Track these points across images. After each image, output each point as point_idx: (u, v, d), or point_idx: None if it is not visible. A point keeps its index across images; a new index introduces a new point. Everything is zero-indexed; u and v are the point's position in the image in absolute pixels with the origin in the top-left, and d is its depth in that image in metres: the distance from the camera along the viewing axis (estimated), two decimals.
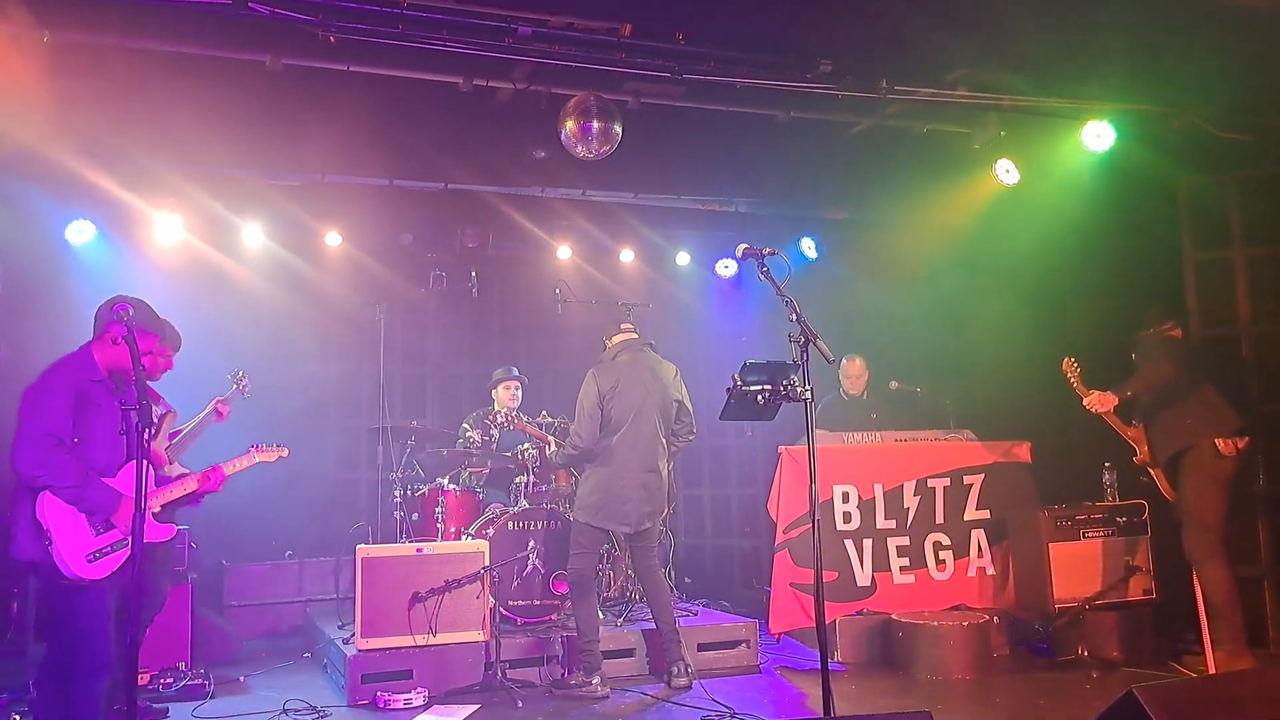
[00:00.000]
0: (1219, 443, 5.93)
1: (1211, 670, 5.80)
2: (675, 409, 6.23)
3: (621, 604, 7.00)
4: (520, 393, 7.91)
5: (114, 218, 7.45)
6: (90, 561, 4.15)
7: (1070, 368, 6.24)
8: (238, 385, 6.34)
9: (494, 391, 7.95)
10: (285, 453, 5.58)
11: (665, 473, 6.17)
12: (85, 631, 4.17)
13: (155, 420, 5.65)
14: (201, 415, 6.09)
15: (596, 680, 5.81)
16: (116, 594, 4.30)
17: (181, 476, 5.05)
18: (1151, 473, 6.28)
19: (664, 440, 6.16)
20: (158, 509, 4.60)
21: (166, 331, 5.57)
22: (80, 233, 7.45)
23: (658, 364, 6.27)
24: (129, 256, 7.66)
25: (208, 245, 7.94)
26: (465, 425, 7.93)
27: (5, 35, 5.41)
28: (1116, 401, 6.15)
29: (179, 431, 5.98)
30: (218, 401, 6.15)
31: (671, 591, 6.54)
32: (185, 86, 6.12)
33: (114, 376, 4.36)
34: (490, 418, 7.88)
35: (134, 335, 4.09)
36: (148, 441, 4.02)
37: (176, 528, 4.78)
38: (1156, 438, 6.21)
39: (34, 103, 5.93)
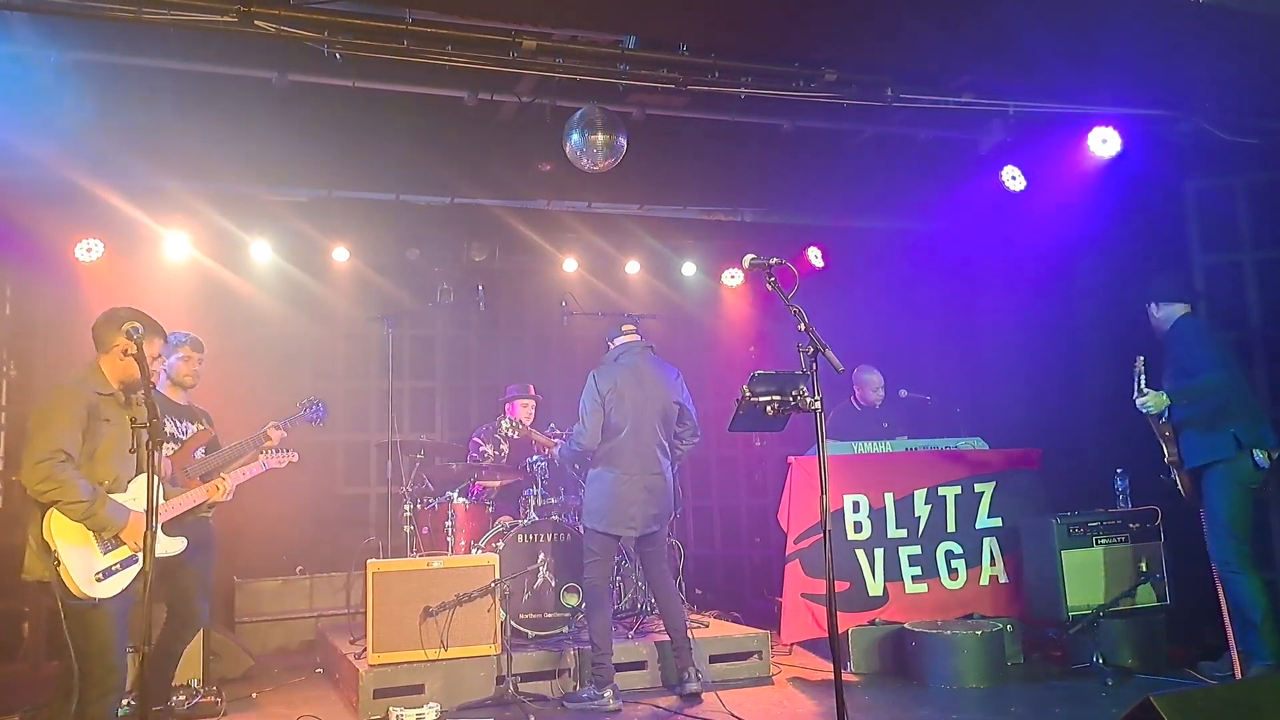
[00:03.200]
0: (1258, 454, 5.79)
1: (1238, 676, 5.74)
2: (677, 412, 6.21)
3: (632, 616, 6.98)
4: (534, 410, 7.93)
5: (122, 236, 7.47)
6: (99, 580, 4.14)
7: (1141, 366, 5.96)
8: (306, 410, 6.10)
9: (507, 406, 7.96)
10: (295, 458, 5.56)
11: (670, 476, 6.16)
12: (97, 651, 4.15)
13: (186, 437, 5.64)
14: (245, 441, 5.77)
15: (608, 694, 5.79)
16: (129, 612, 4.30)
17: (190, 490, 5.05)
18: (1176, 472, 6.13)
19: (666, 443, 6.15)
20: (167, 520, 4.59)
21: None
22: (89, 251, 7.46)
23: (659, 367, 6.26)
24: (138, 274, 7.68)
25: (216, 262, 7.95)
26: (478, 440, 7.94)
27: (13, 55, 5.45)
28: (1168, 404, 5.93)
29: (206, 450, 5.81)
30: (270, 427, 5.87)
31: (683, 601, 6.52)
32: (192, 104, 6.17)
33: (124, 388, 4.36)
34: (499, 432, 7.90)
35: (143, 350, 4.09)
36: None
37: (187, 540, 4.75)
38: (1192, 442, 5.98)
39: (42, 122, 5.96)
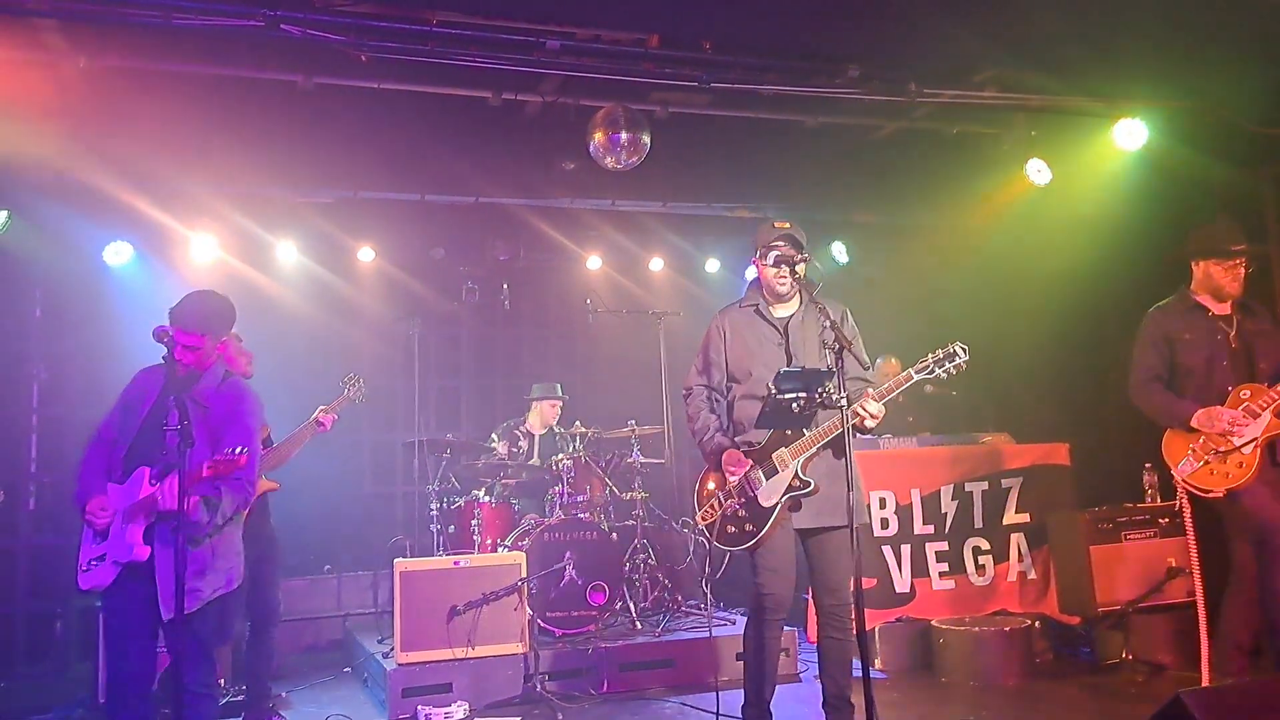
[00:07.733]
0: None
1: None
2: None
3: (658, 614, 6.99)
4: (560, 410, 7.97)
5: (151, 238, 7.55)
6: (84, 570, 4.05)
7: None
8: (351, 389, 6.21)
9: (535, 404, 7.98)
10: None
11: None
12: (105, 640, 4.08)
13: None
14: (301, 427, 5.83)
15: None
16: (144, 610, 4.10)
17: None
18: None
19: None
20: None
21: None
22: (118, 254, 7.55)
23: None
24: (166, 276, 7.74)
25: (243, 264, 8.03)
26: (494, 436, 7.97)
27: (42, 62, 5.51)
28: None
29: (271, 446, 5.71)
30: (320, 411, 5.90)
31: (707, 600, 6.49)
32: (219, 108, 6.22)
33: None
34: (520, 429, 7.93)
35: (173, 354, 4.05)
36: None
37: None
38: None
39: (71, 127, 6.03)
